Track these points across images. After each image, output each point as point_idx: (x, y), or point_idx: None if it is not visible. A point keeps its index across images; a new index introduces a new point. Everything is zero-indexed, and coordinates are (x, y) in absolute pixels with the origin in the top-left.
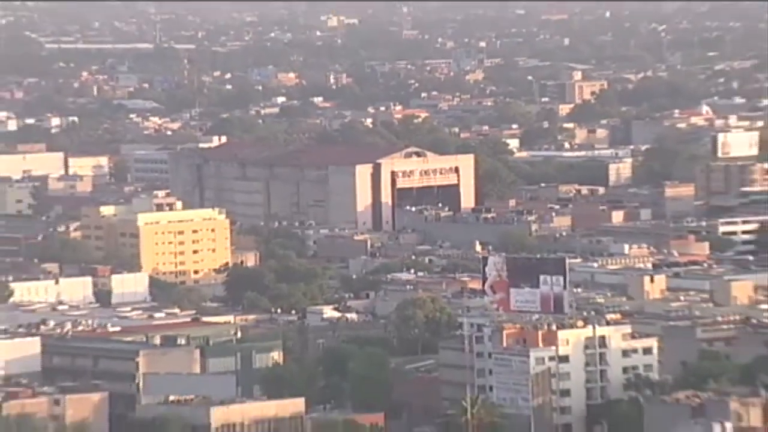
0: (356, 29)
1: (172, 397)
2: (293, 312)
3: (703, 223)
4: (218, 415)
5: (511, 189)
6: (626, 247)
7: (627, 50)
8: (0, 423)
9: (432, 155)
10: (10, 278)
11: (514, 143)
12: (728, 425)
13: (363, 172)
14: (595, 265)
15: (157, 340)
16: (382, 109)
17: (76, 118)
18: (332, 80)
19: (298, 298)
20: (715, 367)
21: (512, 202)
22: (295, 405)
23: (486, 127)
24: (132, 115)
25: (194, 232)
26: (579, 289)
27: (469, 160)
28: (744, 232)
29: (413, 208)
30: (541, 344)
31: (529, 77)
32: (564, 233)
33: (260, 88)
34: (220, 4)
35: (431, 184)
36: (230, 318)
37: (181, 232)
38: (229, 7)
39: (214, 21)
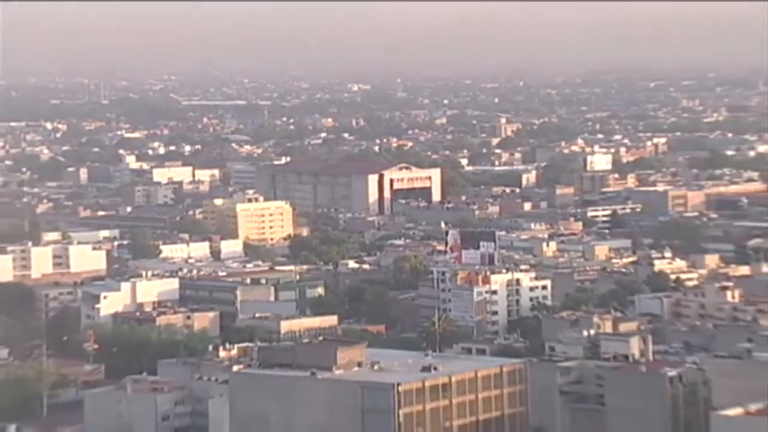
0: (369, 92)
1: (257, 315)
2: (330, 264)
3: (578, 210)
4: (285, 326)
5: (463, 190)
6: (532, 224)
7: (533, 105)
8: (154, 329)
9: (415, 169)
10: (160, 242)
11: (464, 162)
12: (591, 331)
13: (372, 179)
14: (513, 236)
15: (248, 281)
16: (385, 140)
17: (199, 146)
18: (354, 123)
19: (333, 256)
20: (585, 297)
21: (463, 197)
22: (331, 320)
23: (448, 152)
24: (233, 144)
25: (270, 215)
26: (503, 251)
27: (438, 172)
28: (603, 216)
29: (403, 201)
30: (480, 284)
31: (474, 121)
32: (494, 216)
33: (311, 127)
34: (287, 78)
35: (414, 186)
36: (292, 267)
37: (262, 215)
38: (291, 78)
39: (283, 86)
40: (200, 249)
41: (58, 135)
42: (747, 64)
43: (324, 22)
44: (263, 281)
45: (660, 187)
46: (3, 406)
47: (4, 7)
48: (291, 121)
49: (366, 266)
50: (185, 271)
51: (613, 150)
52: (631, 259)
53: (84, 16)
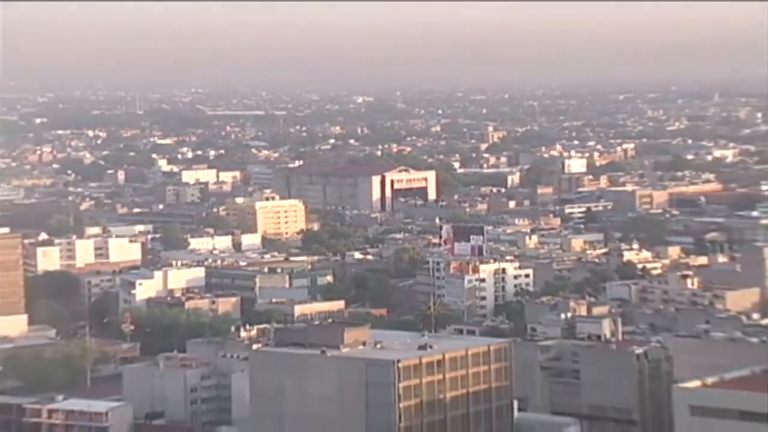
0: (372, 103)
1: (274, 300)
2: (338, 255)
3: (557, 208)
4: (298, 309)
5: (455, 189)
6: (516, 220)
7: (516, 115)
8: (183, 312)
9: (413, 171)
10: (188, 236)
11: (456, 165)
12: (568, 314)
13: (375, 180)
14: (499, 230)
15: (266, 270)
16: (386, 146)
17: (222, 151)
18: (359, 131)
19: (340, 248)
20: (562, 284)
21: (455, 196)
22: (338, 305)
23: (441, 156)
24: (252, 150)
25: (285, 212)
26: (491, 243)
27: (433, 174)
28: (578, 212)
29: (402, 200)
30: (470, 272)
31: (464, 129)
32: (483, 213)
33: (321, 134)
34: (300, 91)
35: (412, 186)
36: (304, 258)
37: (278, 212)
38: (303, 91)
39: (296, 98)
40: (223, 242)
41: (99, 141)
42: (704, 79)
43: (332, 42)
44: (279, 270)
45: (628, 187)
46: (52, 379)
47: (55, 21)
48: (303, 129)
49: (369, 257)
50: (210, 261)
51: (587, 155)
52: (603, 251)
53: (123, 35)
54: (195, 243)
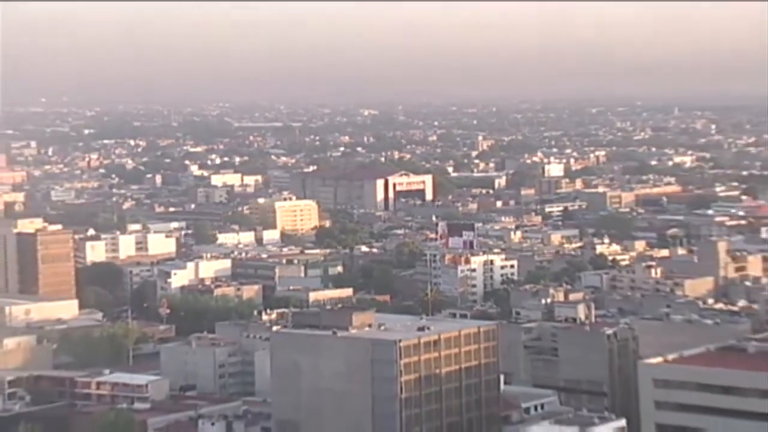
0: (377, 116)
1: (291, 287)
2: (347, 248)
3: (538, 207)
4: (312, 296)
5: (449, 191)
6: (503, 218)
7: (503, 126)
8: (213, 298)
9: (413, 175)
10: (216, 231)
11: (450, 169)
12: (548, 300)
13: (380, 183)
14: (488, 226)
15: (284, 261)
16: (389, 153)
17: (246, 158)
18: (365, 140)
19: (349, 242)
20: (542, 274)
21: (449, 197)
22: (347, 292)
23: (437, 162)
24: (272, 156)
25: (301, 210)
26: (480, 238)
27: (430, 177)
28: (557, 211)
29: (403, 200)
30: (463, 263)
31: (458, 138)
32: (473, 212)
33: (332, 143)
34: (314, 105)
35: (412, 188)
36: (318, 251)
37: (294, 211)
38: (316, 106)
39: (311, 112)
40: (247, 237)
41: (139, 149)
42: (665, 95)
43: (341, 62)
44: (295, 262)
45: (600, 189)
46: (99, 356)
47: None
48: (317, 138)
49: (374, 250)
50: (236, 254)
51: (564, 161)
52: (578, 245)
53: (160, 59)
54: (222, 238)
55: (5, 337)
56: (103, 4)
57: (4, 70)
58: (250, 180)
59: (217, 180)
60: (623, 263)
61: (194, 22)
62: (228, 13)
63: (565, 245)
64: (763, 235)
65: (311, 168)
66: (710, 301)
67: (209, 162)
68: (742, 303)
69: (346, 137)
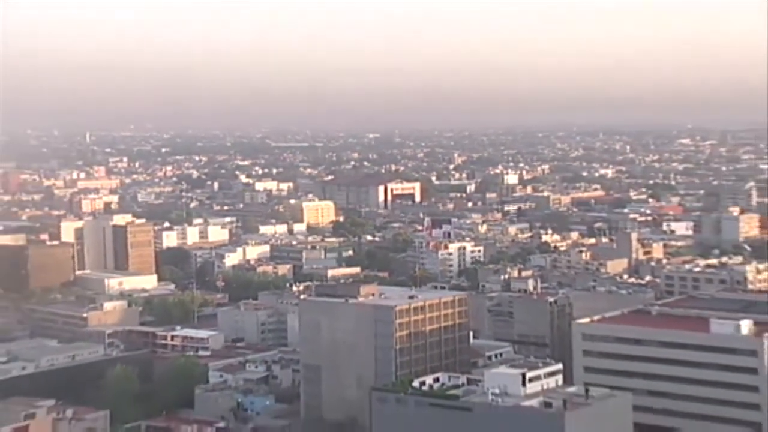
0: (379, 138)
1: (314, 266)
2: (356, 237)
3: (499, 206)
4: (330, 273)
5: (433, 195)
6: (473, 215)
7: (473, 146)
8: (256, 274)
9: (405, 183)
10: (259, 225)
11: (434, 179)
12: (506, 276)
13: (381, 188)
14: (462, 221)
15: (309, 247)
16: (388, 166)
17: (281, 169)
18: (370, 156)
19: (358, 232)
20: (502, 256)
21: (433, 199)
22: (356, 270)
23: (424, 173)
24: (300, 169)
25: (322, 209)
26: (456, 230)
27: (418, 185)
28: (513, 210)
29: (398, 201)
30: (443, 249)
31: (439, 155)
32: (451, 210)
33: (345, 158)
34: (332, 129)
35: (405, 192)
36: (334, 239)
37: (317, 209)
38: (334, 129)
39: (329, 135)
40: (281, 228)
41: (202, 163)
42: (594, 122)
43: (352, 99)
44: (317, 247)
45: (545, 194)
46: (172, 316)
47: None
48: (334, 155)
49: (377, 239)
50: (273, 241)
51: (518, 172)
52: (528, 235)
53: (217, 91)
54: (263, 229)
55: (105, 301)
56: (190, 47)
57: (100, 98)
58: (284, 186)
59: (259, 186)
60: (562, 249)
61: (245, 60)
62: (266, 62)
63: (519, 235)
64: (664, 228)
65: (329, 177)
66: (625, 276)
67: (254, 172)
68: (648, 278)
69: (356, 154)
